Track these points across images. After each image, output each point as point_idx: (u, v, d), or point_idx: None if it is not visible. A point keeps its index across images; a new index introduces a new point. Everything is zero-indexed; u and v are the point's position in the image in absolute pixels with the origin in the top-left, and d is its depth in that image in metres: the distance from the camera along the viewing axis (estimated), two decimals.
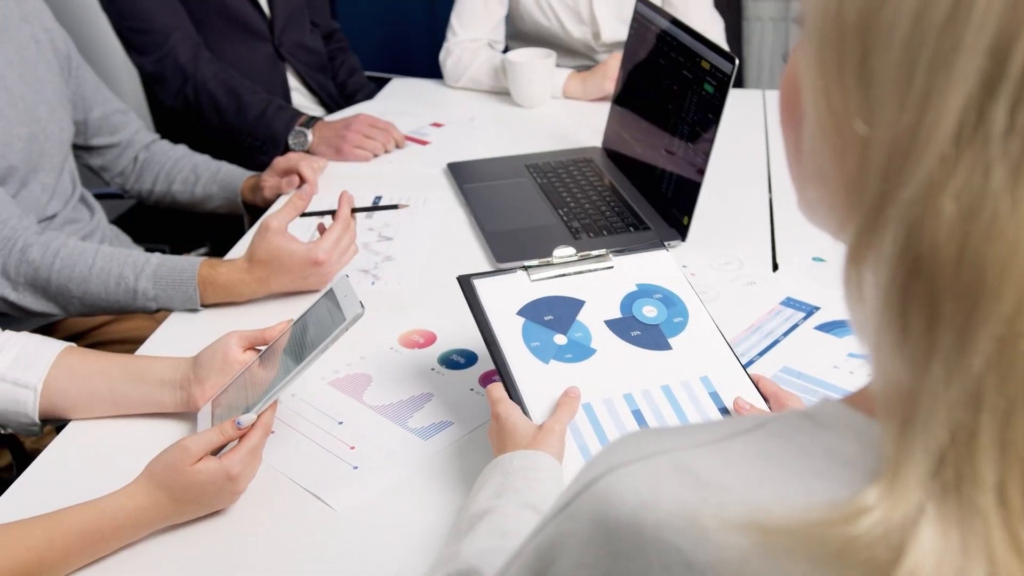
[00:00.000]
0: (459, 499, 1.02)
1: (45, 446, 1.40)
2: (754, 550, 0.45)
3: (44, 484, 1.07)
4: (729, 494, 0.48)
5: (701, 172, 1.46)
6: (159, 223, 2.17)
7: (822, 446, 0.49)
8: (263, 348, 1.12)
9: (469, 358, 1.25)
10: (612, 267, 1.16)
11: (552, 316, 1.10)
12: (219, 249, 1.74)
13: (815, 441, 0.49)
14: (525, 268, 1.14)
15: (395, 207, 1.46)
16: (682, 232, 1.50)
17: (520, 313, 1.10)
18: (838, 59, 0.46)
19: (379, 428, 1.13)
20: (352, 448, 1.10)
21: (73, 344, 1.18)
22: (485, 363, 1.24)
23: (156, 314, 1.62)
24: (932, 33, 0.41)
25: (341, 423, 1.14)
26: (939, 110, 0.41)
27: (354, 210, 1.39)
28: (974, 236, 0.40)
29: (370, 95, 2.34)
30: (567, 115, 2.08)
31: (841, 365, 1.22)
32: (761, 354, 1.25)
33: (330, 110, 2.26)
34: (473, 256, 1.50)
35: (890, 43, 0.42)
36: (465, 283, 1.12)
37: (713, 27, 2.20)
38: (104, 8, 2.03)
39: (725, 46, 1.80)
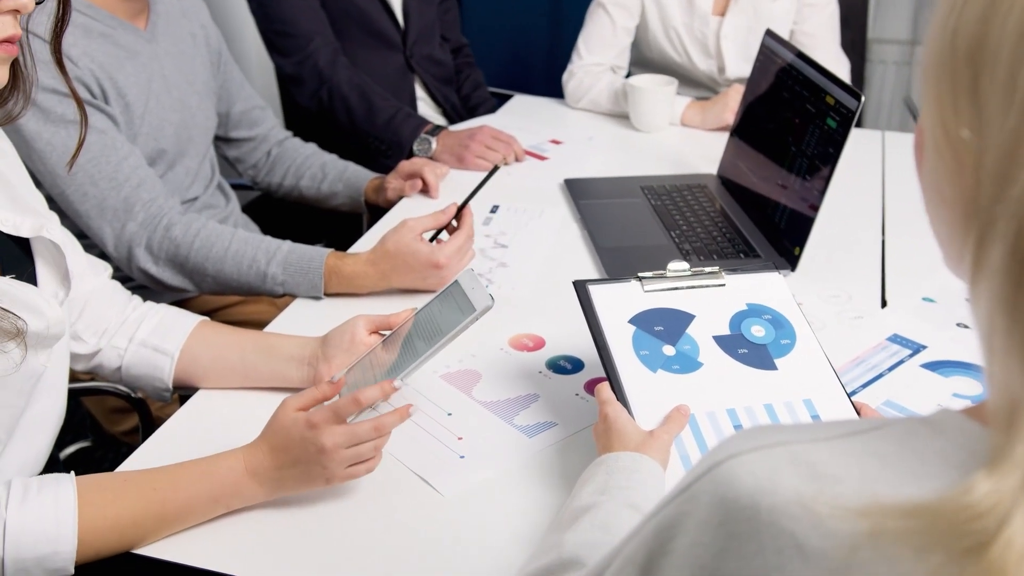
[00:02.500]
0: (559, 495, 1.06)
1: (170, 414, 1.49)
2: (865, 537, 0.48)
3: (169, 448, 1.14)
4: (843, 486, 0.51)
5: (816, 205, 1.48)
6: (280, 216, 2.27)
7: (936, 450, 0.52)
8: (387, 333, 1.18)
9: (576, 364, 1.29)
10: (724, 285, 1.19)
11: (662, 327, 1.14)
12: (334, 246, 1.82)
13: (930, 445, 0.52)
14: (639, 278, 1.18)
15: (496, 168, 1.52)
16: (792, 262, 1.52)
17: (632, 321, 1.13)
18: (952, 86, 0.51)
19: (486, 422, 1.18)
20: (460, 439, 1.15)
21: (208, 318, 1.26)
22: (591, 371, 1.28)
23: (278, 300, 1.71)
24: None
25: (450, 414, 1.19)
26: None
27: (465, 202, 1.45)
28: None
29: (492, 109, 2.41)
30: (683, 142, 2.11)
31: (946, 404, 1.22)
32: (864, 386, 1.26)
33: (452, 121, 2.34)
34: (585, 269, 1.55)
35: (997, 61, 0.48)
36: (580, 288, 1.16)
37: (840, 68, 2.22)
38: (252, 11, 2.15)
39: None
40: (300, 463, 0.99)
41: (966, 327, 1.39)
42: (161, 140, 1.59)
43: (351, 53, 2.16)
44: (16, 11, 0.91)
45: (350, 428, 0.99)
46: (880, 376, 1.28)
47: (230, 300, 1.72)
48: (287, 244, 1.45)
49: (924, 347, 1.34)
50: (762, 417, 1.07)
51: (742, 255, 1.56)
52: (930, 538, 0.47)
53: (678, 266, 1.19)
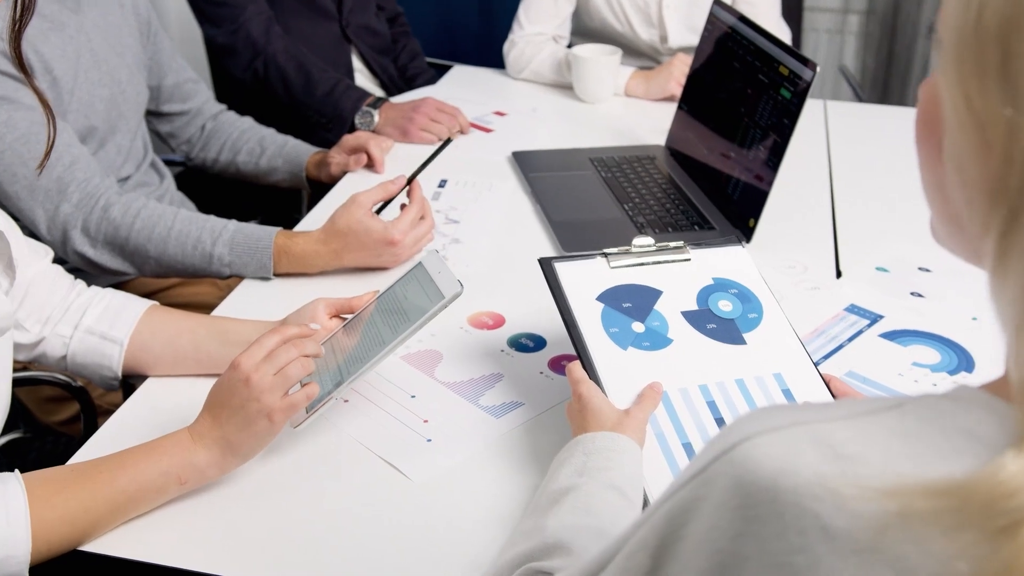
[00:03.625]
0: (530, 477, 1.04)
1: (112, 401, 1.43)
2: (893, 517, 0.47)
3: (119, 440, 1.07)
4: (868, 467, 0.50)
5: (771, 176, 1.47)
6: (212, 192, 2.20)
7: (961, 427, 0.51)
8: (348, 316, 1.14)
9: (538, 342, 1.27)
10: (689, 259, 1.18)
11: (631, 304, 1.12)
12: (272, 222, 1.77)
13: (954, 422, 0.51)
14: (605, 255, 1.16)
15: (449, 140, 1.49)
16: (747, 234, 1.51)
17: (600, 299, 1.11)
18: (979, 66, 0.49)
19: (451, 404, 1.15)
20: (425, 421, 1.12)
21: (156, 303, 1.21)
22: (554, 348, 1.26)
23: (220, 281, 1.65)
24: None
25: (414, 396, 1.16)
26: None
27: (414, 173, 1.42)
28: None
29: (430, 80, 2.36)
30: (628, 113, 2.09)
31: (906, 373, 1.23)
32: (825, 358, 1.26)
33: (391, 93, 2.28)
34: (540, 244, 1.52)
35: None
36: (546, 265, 1.13)
37: (781, 36, 2.21)
38: None
39: None
40: (235, 408, 0.96)
41: (920, 296, 1.40)
42: (91, 117, 1.51)
43: (284, 23, 2.08)
44: None
45: (260, 345, 0.98)
46: (840, 347, 1.28)
47: (169, 282, 1.65)
48: (233, 223, 1.39)
49: (881, 317, 1.35)
50: (734, 393, 1.06)
51: (696, 227, 1.55)
52: (961, 517, 0.46)
53: (643, 241, 1.17)
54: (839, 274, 1.46)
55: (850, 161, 1.87)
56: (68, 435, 1.53)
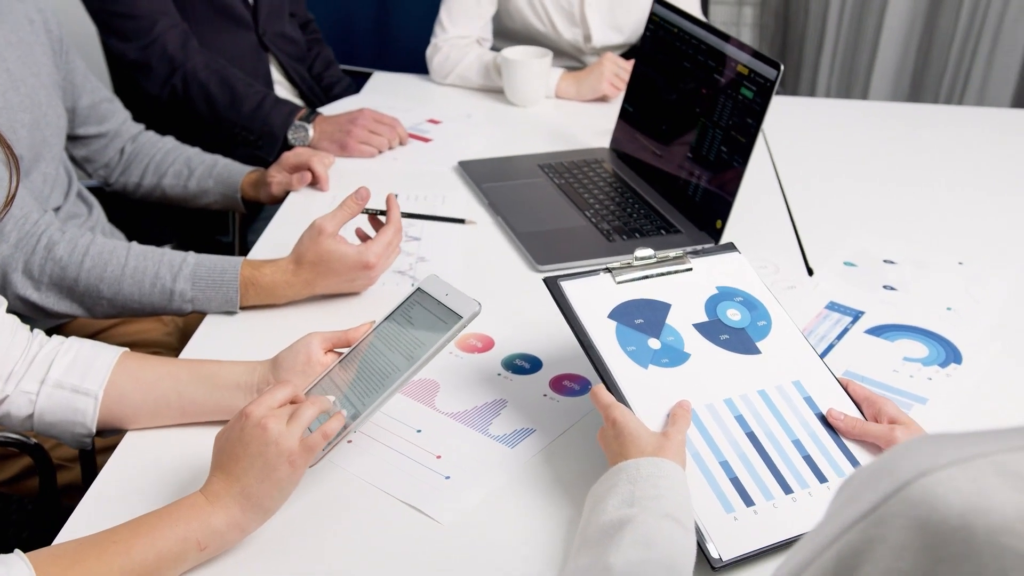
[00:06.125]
0: (561, 508, 0.99)
1: (62, 456, 1.32)
2: None
3: (109, 508, 0.98)
4: None
5: (738, 176, 1.46)
6: (123, 217, 2.07)
7: None
8: (343, 350, 1.08)
9: (533, 363, 1.23)
10: (691, 269, 1.15)
11: (642, 319, 1.09)
12: (185, 246, 1.67)
13: None
14: (609, 270, 1.12)
15: (461, 221, 1.39)
16: (715, 236, 1.50)
17: (611, 316, 1.08)
18: None
19: (461, 436, 1.09)
20: (438, 457, 1.06)
21: (127, 349, 1.11)
22: (551, 368, 1.22)
23: (166, 317, 1.55)
24: None
25: (420, 431, 1.10)
26: None
27: (407, 214, 1.35)
28: None
29: (348, 89, 2.28)
30: (562, 115, 2.06)
31: (900, 369, 1.24)
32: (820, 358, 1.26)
33: (311, 103, 2.19)
34: (510, 258, 1.47)
35: None
36: (553, 285, 1.09)
37: None
38: None
39: None
40: (252, 457, 0.90)
41: (893, 289, 1.42)
42: (15, 144, 1.38)
43: (198, 33, 1.97)
44: None
45: (271, 395, 0.93)
46: (831, 347, 1.28)
47: (109, 322, 1.53)
48: (192, 255, 1.30)
49: (862, 312, 1.35)
50: (759, 405, 1.04)
51: (662, 232, 1.54)
52: None
53: (644, 253, 1.14)
54: (810, 272, 1.46)
55: (791, 155, 1.89)
56: (11, 495, 1.40)
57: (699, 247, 1.19)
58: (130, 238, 2.00)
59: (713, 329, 1.10)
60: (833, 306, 1.37)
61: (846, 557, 0.53)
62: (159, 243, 2.14)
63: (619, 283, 1.11)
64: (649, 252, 1.15)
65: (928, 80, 3.29)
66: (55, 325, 1.43)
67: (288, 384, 0.95)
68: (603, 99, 2.10)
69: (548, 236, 1.51)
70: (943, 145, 1.99)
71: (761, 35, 3.41)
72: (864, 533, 0.52)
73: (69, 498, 1.32)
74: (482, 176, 1.71)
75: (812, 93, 3.42)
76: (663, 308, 1.11)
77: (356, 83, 2.32)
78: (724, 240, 1.51)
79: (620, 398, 1.00)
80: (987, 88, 3.22)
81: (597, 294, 1.10)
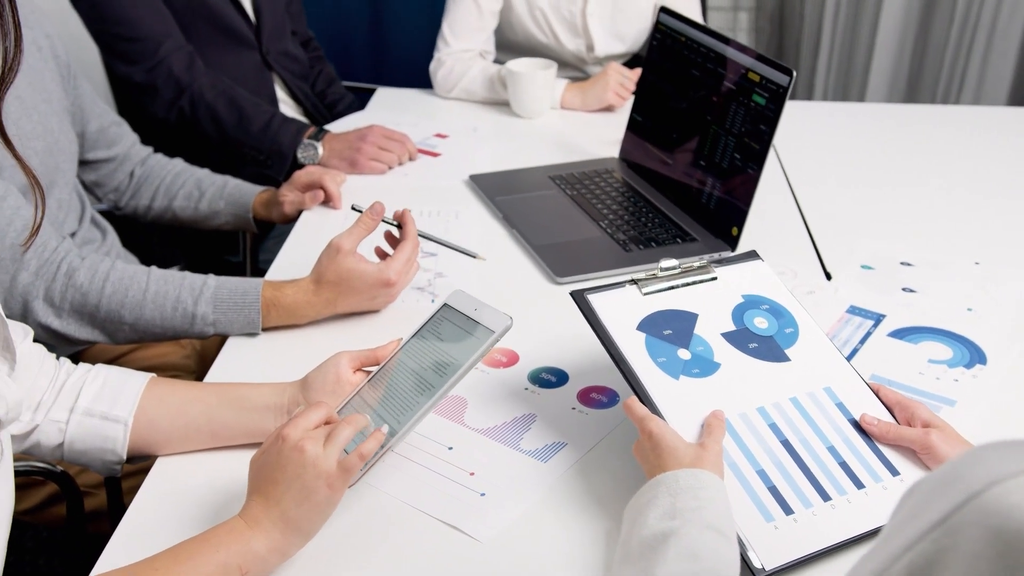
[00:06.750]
0: (599, 521, 0.99)
1: (87, 481, 1.31)
2: None
3: (147, 530, 0.98)
4: None
5: (753, 183, 1.47)
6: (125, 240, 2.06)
7: None
8: (372, 369, 1.07)
9: (560, 376, 1.22)
10: (716, 278, 1.15)
11: (671, 330, 1.08)
12: (193, 267, 1.67)
13: None
14: (634, 281, 1.12)
15: (473, 255, 1.39)
16: (731, 243, 1.51)
17: (640, 328, 1.08)
18: None
19: (493, 452, 1.09)
20: (472, 474, 1.06)
21: (155, 375, 1.11)
22: (578, 380, 1.21)
23: (182, 340, 1.54)
24: None
25: (451, 448, 1.10)
26: None
27: (421, 234, 1.35)
28: None
29: (352, 105, 2.28)
30: (568, 126, 2.06)
31: (925, 371, 1.24)
32: None
33: (316, 121, 2.19)
34: (528, 271, 1.47)
35: None
36: (580, 299, 1.09)
37: None
38: (83, 14, 1.91)
39: None
40: (290, 480, 0.89)
41: (912, 291, 1.42)
42: None
43: (202, 54, 1.97)
44: None
45: (306, 417, 0.92)
46: (855, 351, 1.28)
47: (125, 347, 1.52)
48: (212, 278, 1.29)
49: (883, 316, 1.36)
50: (792, 413, 1.04)
51: (678, 240, 1.54)
52: None
53: (668, 263, 1.14)
54: (828, 276, 1.47)
55: (798, 159, 1.89)
56: (36, 525, 1.39)
57: (722, 255, 1.19)
58: (139, 260, 2.01)
59: (741, 338, 1.10)
60: (854, 310, 1.37)
61: (918, 567, 0.53)
62: (167, 264, 2.14)
63: (645, 295, 1.11)
64: (674, 263, 1.14)
65: (924, 80, 3.31)
66: (73, 352, 1.42)
67: (323, 405, 0.95)
68: (608, 109, 2.10)
69: (564, 248, 1.51)
70: (946, 145, 1.99)
71: (757, 40, 3.43)
72: (936, 543, 0.52)
73: (95, 525, 1.32)
74: (494, 189, 1.71)
75: (810, 96, 3.43)
76: (690, 318, 1.11)
77: (358, 99, 2.32)
78: (740, 246, 1.51)
79: (653, 410, 1.00)
80: (983, 87, 3.23)
81: (624, 306, 1.10)
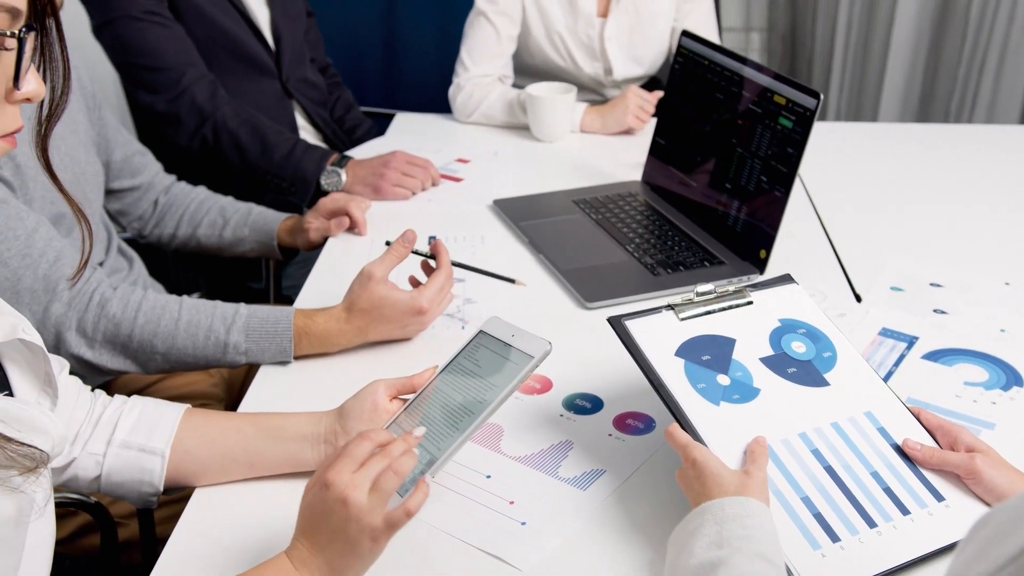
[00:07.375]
0: (641, 550, 0.98)
1: (119, 512, 1.31)
2: None
3: (188, 562, 0.98)
4: None
5: (781, 205, 1.46)
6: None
7: None
8: (408, 396, 1.07)
9: (595, 402, 1.22)
10: (751, 303, 1.15)
11: (709, 356, 1.08)
12: (215, 294, 1.66)
13: None
14: (671, 307, 1.12)
15: (511, 281, 1.39)
16: (759, 266, 1.50)
17: (679, 354, 1.07)
18: None
19: (531, 480, 1.08)
20: (511, 503, 1.05)
21: (190, 406, 1.10)
22: (613, 406, 1.21)
23: (209, 368, 1.54)
24: None
25: (489, 476, 1.09)
26: None
27: (456, 263, 1.35)
28: None
29: (371, 131, 2.28)
30: (588, 149, 2.07)
31: (962, 394, 1.23)
32: None
33: (335, 147, 2.20)
34: (557, 296, 1.47)
35: None
36: (618, 325, 1.09)
37: None
38: (106, 45, 1.92)
39: None
40: (334, 531, 0.86)
41: (944, 312, 1.41)
42: (58, 202, 1.38)
43: (223, 82, 1.97)
44: (28, 99, 0.79)
45: (351, 457, 0.88)
46: (890, 374, 1.27)
47: (154, 376, 1.52)
48: (243, 307, 1.29)
49: (916, 338, 1.35)
50: (834, 438, 1.03)
51: (706, 264, 1.53)
52: None
53: (705, 288, 1.14)
54: (858, 299, 1.46)
55: (821, 181, 1.89)
56: (68, 555, 1.38)
57: (757, 280, 1.18)
58: (164, 287, 2.01)
59: (780, 362, 1.09)
60: (887, 332, 1.37)
61: None
62: (190, 291, 2.13)
63: (682, 320, 1.11)
64: (710, 287, 1.14)
65: (937, 99, 3.31)
66: (101, 382, 1.42)
67: (365, 439, 0.93)
68: (628, 132, 2.11)
69: (592, 273, 1.51)
70: (964, 164, 1.99)
71: (769, 60, 3.43)
72: (1021, 572, 0.52)
73: (126, 555, 1.31)
74: (518, 214, 1.71)
75: (823, 117, 3.43)
76: (728, 343, 1.10)
77: (376, 124, 2.33)
78: (769, 269, 1.50)
79: (695, 437, 1.00)
80: (995, 106, 3.23)
81: (662, 332, 1.09)
